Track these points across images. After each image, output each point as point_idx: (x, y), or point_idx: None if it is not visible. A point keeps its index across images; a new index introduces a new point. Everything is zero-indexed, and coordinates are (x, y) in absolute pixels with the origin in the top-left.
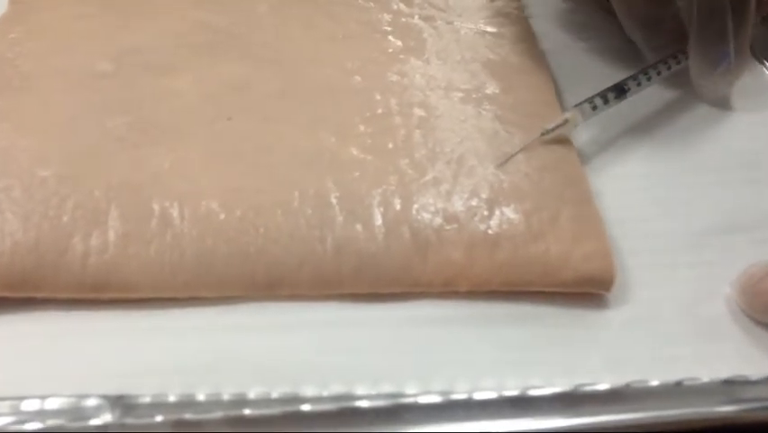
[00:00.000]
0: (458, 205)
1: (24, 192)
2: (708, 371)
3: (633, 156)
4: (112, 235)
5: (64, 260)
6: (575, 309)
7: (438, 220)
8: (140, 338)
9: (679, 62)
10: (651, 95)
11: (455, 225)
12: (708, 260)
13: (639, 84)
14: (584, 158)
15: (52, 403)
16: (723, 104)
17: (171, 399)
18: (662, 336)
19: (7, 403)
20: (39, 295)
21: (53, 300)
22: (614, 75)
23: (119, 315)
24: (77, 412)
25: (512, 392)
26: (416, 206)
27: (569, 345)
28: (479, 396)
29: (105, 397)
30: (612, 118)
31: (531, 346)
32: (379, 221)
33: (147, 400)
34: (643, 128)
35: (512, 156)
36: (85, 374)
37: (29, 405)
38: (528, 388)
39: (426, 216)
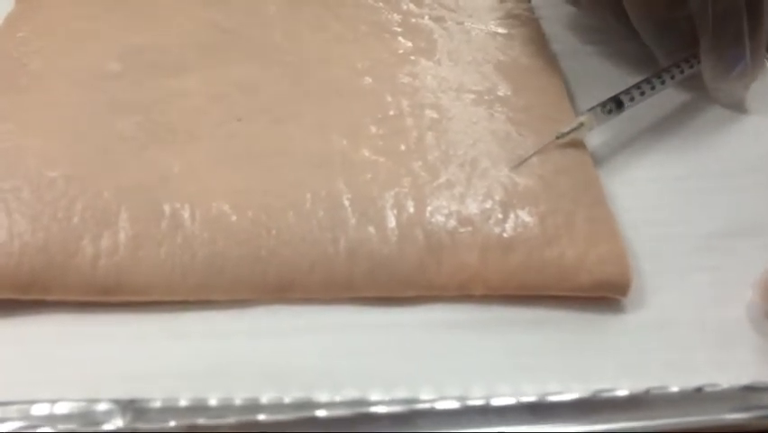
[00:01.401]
0: (472, 208)
1: (33, 193)
2: (726, 376)
3: (644, 160)
4: (122, 237)
5: (74, 262)
6: (590, 314)
7: (452, 223)
8: (150, 342)
9: (692, 66)
10: (662, 98)
11: (469, 228)
12: (722, 264)
13: (653, 87)
14: (596, 161)
15: (62, 408)
16: (738, 107)
17: (182, 403)
18: (678, 341)
19: (16, 407)
20: (48, 297)
21: (63, 303)
22: (624, 78)
23: (129, 318)
24: (87, 417)
25: (530, 398)
26: (429, 208)
27: (585, 350)
28: (496, 402)
29: (116, 401)
30: (623, 122)
31: (546, 352)
32: (392, 223)
33: (158, 404)
34: (654, 132)
35: (527, 159)
36: (95, 378)
37: (39, 409)
38: (546, 394)
39: (440, 218)
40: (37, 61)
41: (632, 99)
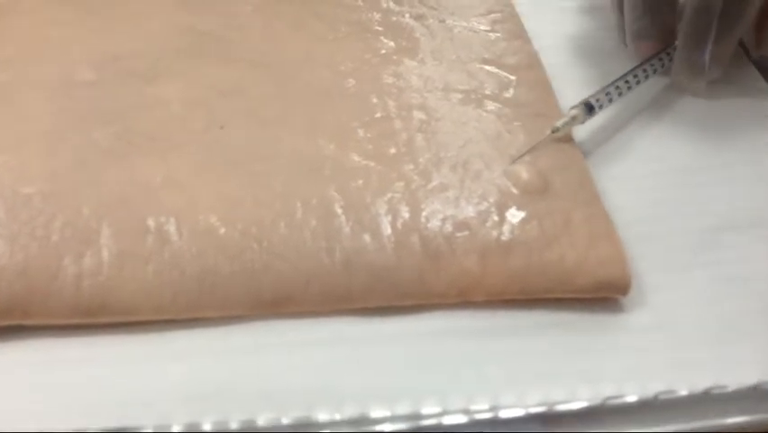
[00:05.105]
0: (468, 211)
1: (8, 212)
2: (732, 375)
3: (630, 154)
4: (105, 255)
5: (55, 284)
6: (591, 315)
7: (448, 228)
8: (139, 364)
9: (672, 58)
10: (644, 91)
11: (466, 233)
12: (719, 259)
13: (639, 81)
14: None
15: None
16: (698, 95)
17: (176, 429)
18: (681, 340)
19: None
20: (29, 322)
21: (45, 327)
22: (605, 72)
23: (116, 340)
24: None
25: (540, 409)
26: (424, 213)
27: (589, 352)
28: (505, 414)
29: (105, 431)
30: (605, 117)
31: (550, 356)
32: (388, 231)
33: (150, 430)
34: (636, 124)
35: (520, 156)
36: (81, 406)
37: None
38: (555, 402)
39: (436, 223)
40: (2, 71)
41: (620, 94)
